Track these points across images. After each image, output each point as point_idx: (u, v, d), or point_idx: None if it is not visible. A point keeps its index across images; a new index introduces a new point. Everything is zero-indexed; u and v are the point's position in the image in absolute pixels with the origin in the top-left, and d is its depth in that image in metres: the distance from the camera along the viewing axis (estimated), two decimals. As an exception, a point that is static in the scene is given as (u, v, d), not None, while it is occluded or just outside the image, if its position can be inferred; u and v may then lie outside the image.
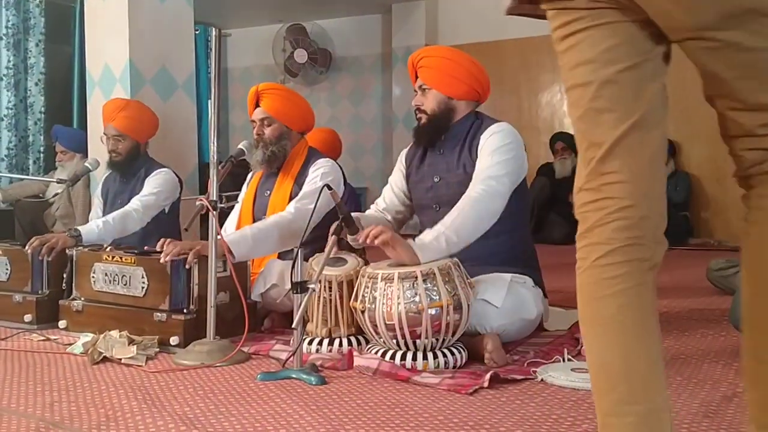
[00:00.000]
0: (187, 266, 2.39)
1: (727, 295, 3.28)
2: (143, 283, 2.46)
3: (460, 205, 2.29)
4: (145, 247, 2.59)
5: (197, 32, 6.61)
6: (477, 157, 2.44)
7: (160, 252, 2.43)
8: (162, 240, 2.50)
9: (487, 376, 1.91)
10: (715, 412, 1.69)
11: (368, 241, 2.17)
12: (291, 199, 2.77)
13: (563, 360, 2.10)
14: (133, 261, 2.50)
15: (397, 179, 2.70)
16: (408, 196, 2.67)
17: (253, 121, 2.86)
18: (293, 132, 2.88)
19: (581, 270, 1.17)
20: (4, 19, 5.93)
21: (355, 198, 4.81)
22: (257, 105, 2.86)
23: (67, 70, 6.54)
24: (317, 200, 2.27)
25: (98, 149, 3.92)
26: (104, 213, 3.29)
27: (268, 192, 2.88)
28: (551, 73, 6.59)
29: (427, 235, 2.20)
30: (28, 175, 5.74)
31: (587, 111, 1.15)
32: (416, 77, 2.57)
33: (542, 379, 1.94)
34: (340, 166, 2.98)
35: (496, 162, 2.37)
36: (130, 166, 3.35)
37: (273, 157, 2.83)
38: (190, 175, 4.19)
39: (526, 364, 2.08)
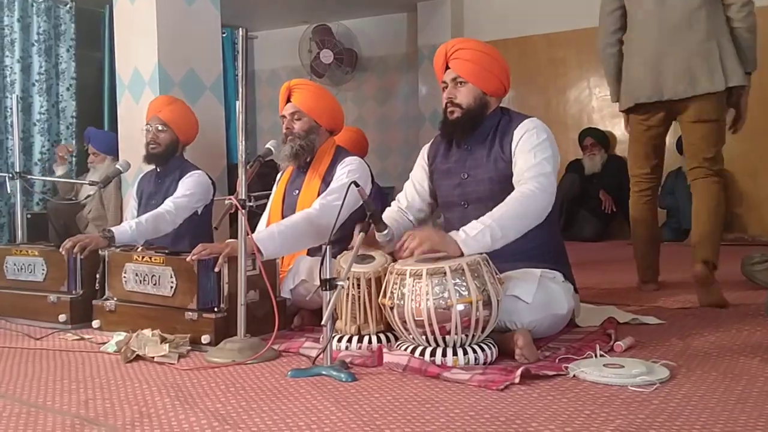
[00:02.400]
0: (216, 269, 2.40)
1: (762, 289, 3.23)
2: (172, 282, 2.48)
3: (511, 201, 2.28)
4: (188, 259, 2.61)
5: (224, 35, 6.68)
6: (510, 153, 2.42)
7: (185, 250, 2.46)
8: (198, 252, 2.52)
9: (519, 372, 1.89)
10: (752, 407, 1.65)
11: (406, 255, 2.16)
12: (319, 196, 2.78)
13: (595, 356, 2.08)
14: (162, 261, 2.52)
15: (418, 176, 2.68)
16: (430, 193, 2.65)
17: (283, 116, 2.88)
18: (322, 128, 2.88)
19: None
20: (36, 25, 6.04)
21: (382, 197, 4.81)
22: (288, 100, 2.88)
23: (97, 74, 6.64)
24: (345, 197, 2.28)
25: (129, 151, 3.98)
26: (139, 213, 3.33)
27: (297, 191, 2.90)
28: (578, 68, 6.53)
29: (473, 228, 2.19)
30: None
31: None
32: (445, 68, 2.52)
33: (574, 375, 1.92)
34: (367, 164, 2.98)
35: (540, 159, 2.35)
36: (167, 162, 3.38)
37: (301, 151, 2.83)
38: (219, 176, 4.23)
39: (557, 360, 2.06)
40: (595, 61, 6.45)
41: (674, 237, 5.67)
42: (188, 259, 2.41)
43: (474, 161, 2.50)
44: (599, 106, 6.51)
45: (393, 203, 2.72)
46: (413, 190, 2.68)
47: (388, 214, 2.65)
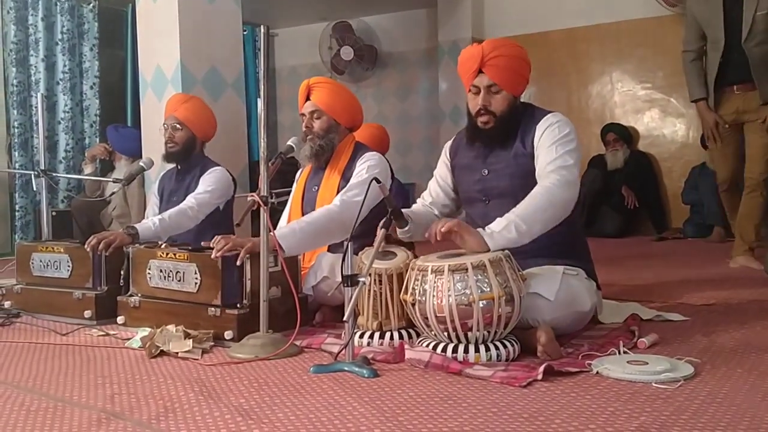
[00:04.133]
0: (238, 263, 2.42)
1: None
2: (196, 278, 2.50)
3: (534, 195, 2.27)
4: (202, 243, 2.64)
5: (244, 33, 6.70)
6: (531, 148, 2.41)
7: (213, 248, 2.47)
8: (216, 237, 2.54)
9: (541, 368, 1.89)
10: (779, 404, 1.64)
11: (438, 237, 2.15)
12: (338, 192, 2.78)
13: (619, 352, 2.06)
14: (186, 257, 2.55)
15: (442, 172, 2.68)
16: (453, 188, 2.65)
17: (303, 115, 2.88)
18: (341, 126, 2.89)
19: None
20: (60, 25, 6.11)
21: (404, 192, 4.82)
22: (308, 98, 2.88)
23: (120, 73, 6.70)
24: (366, 193, 2.28)
25: (152, 149, 4.01)
26: (160, 210, 3.36)
27: (316, 187, 2.90)
28: (600, 63, 6.48)
29: (498, 224, 2.18)
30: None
31: None
32: (478, 72, 2.42)
33: (597, 372, 1.91)
34: (387, 160, 2.98)
35: (562, 153, 2.34)
36: (186, 160, 3.41)
37: (321, 151, 2.84)
38: (241, 173, 4.25)
39: (580, 357, 2.05)
40: (616, 56, 6.43)
41: (697, 233, 5.61)
42: (212, 256, 2.43)
43: (495, 157, 2.49)
44: (622, 101, 6.46)
45: (418, 200, 2.72)
46: (437, 187, 2.68)
47: (414, 208, 2.65)
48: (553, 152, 2.34)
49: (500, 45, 2.43)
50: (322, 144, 2.83)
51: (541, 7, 6.64)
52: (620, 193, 6.06)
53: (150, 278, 2.65)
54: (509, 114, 2.44)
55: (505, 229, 2.17)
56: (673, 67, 6.14)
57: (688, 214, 5.90)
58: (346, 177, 2.83)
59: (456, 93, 7.06)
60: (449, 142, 2.71)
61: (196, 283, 2.51)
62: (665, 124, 6.32)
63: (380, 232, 2.19)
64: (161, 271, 2.62)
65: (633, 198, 6.03)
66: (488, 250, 2.11)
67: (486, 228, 2.18)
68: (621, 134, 6.23)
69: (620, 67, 6.44)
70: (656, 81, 6.28)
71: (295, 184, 3.07)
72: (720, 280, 3.58)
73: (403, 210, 2.39)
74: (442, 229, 2.13)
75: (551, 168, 2.32)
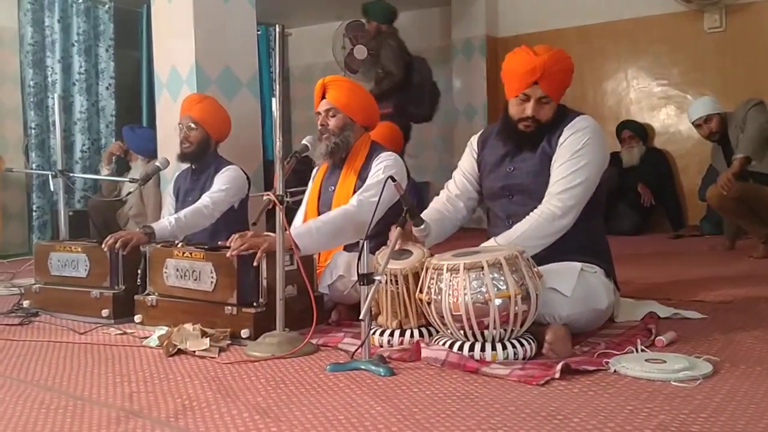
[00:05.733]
0: (255, 263, 2.43)
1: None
2: (212, 278, 2.51)
3: (532, 218, 2.33)
4: (219, 242, 2.65)
5: (258, 33, 6.72)
6: (555, 149, 2.41)
7: (229, 247, 2.48)
8: (234, 236, 2.55)
9: (559, 366, 1.88)
10: (800, 403, 1.62)
11: None
12: (354, 192, 2.78)
13: (636, 351, 2.05)
14: (202, 256, 2.56)
15: (468, 165, 2.67)
16: (478, 181, 2.64)
17: (318, 113, 2.89)
18: (357, 125, 2.88)
19: None
20: (76, 26, 6.14)
21: (417, 192, 4.81)
22: (323, 97, 2.88)
23: (135, 73, 6.73)
24: (381, 192, 2.28)
25: (168, 149, 4.04)
26: (176, 210, 3.38)
27: (332, 187, 2.91)
28: (615, 60, 6.43)
29: (500, 241, 2.25)
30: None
31: None
32: (532, 83, 2.38)
33: (615, 371, 1.90)
34: (403, 159, 2.98)
35: (573, 171, 2.35)
36: (200, 159, 3.42)
37: (336, 149, 2.84)
38: (255, 173, 4.27)
39: (596, 355, 2.04)
40: (632, 53, 6.38)
41: (714, 230, 5.56)
42: (228, 255, 2.44)
43: (522, 155, 2.49)
44: (637, 97, 6.42)
45: (442, 192, 2.71)
46: (463, 179, 2.67)
47: (435, 206, 2.65)
48: (565, 169, 2.36)
49: (560, 59, 2.41)
50: (338, 142, 2.83)
51: (556, 4, 6.60)
52: (636, 190, 6.01)
53: (167, 277, 2.67)
54: (552, 120, 2.45)
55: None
56: (689, 64, 6.11)
57: (704, 212, 5.85)
58: (362, 177, 2.83)
59: (470, 91, 7.04)
60: (476, 136, 2.70)
61: (212, 282, 2.52)
62: (681, 121, 6.25)
63: (395, 231, 2.19)
64: (178, 270, 2.63)
65: (649, 195, 5.99)
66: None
67: (486, 244, 2.23)
68: (636, 131, 6.19)
69: (636, 63, 6.39)
70: (672, 78, 6.23)
71: (310, 183, 3.08)
72: (738, 277, 3.55)
73: (422, 214, 2.40)
74: None
75: (556, 189, 2.36)
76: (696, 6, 5.91)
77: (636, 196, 6.01)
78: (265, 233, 2.58)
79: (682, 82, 6.17)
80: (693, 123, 4.83)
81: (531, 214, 2.35)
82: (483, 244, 2.27)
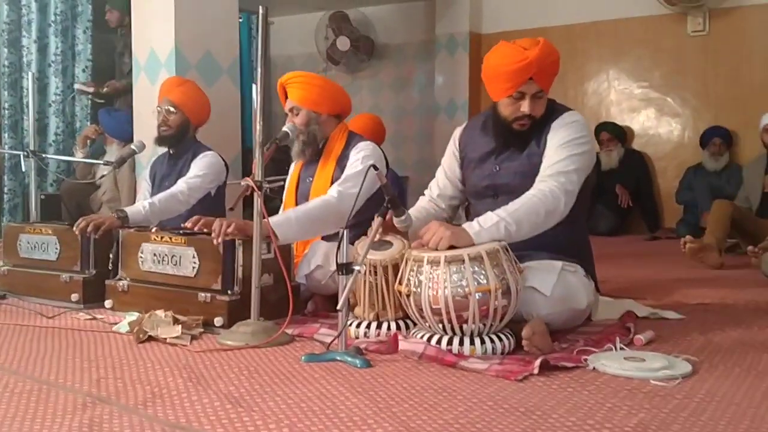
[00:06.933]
0: (229, 230, 2.38)
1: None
2: (194, 263, 2.46)
3: (528, 197, 2.21)
4: (181, 224, 2.60)
5: (240, 20, 6.63)
6: (544, 146, 2.34)
7: (194, 231, 2.44)
8: (196, 218, 2.51)
9: (537, 362, 1.86)
10: (779, 404, 1.61)
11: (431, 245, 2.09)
12: (333, 182, 2.74)
13: (615, 349, 2.03)
14: (184, 241, 2.50)
15: (450, 163, 2.60)
16: (462, 180, 2.58)
17: (286, 114, 2.86)
18: (323, 116, 2.82)
19: None
20: (53, 6, 6.01)
21: (399, 183, 4.77)
22: (287, 97, 2.85)
23: (112, 56, 6.61)
24: (363, 181, 2.24)
25: (144, 133, 3.95)
26: (152, 195, 3.30)
27: (310, 179, 2.86)
28: (597, 60, 6.45)
29: (486, 220, 2.12)
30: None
31: None
32: (527, 80, 2.30)
33: (594, 368, 1.88)
34: (382, 149, 2.94)
35: (566, 156, 2.28)
36: (178, 144, 3.35)
37: (305, 146, 2.81)
38: (234, 160, 4.20)
39: (575, 352, 2.02)
40: (614, 54, 6.39)
41: (690, 233, 5.59)
42: (215, 242, 2.38)
43: (508, 154, 2.42)
44: (618, 99, 6.44)
45: (425, 192, 2.66)
46: (445, 178, 2.61)
47: (420, 205, 2.60)
48: (559, 154, 2.29)
49: (550, 51, 2.32)
50: (305, 139, 2.80)
51: (540, 2, 6.59)
52: (614, 191, 6.03)
53: (142, 262, 2.60)
54: (544, 115, 2.38)
55: (494, 226, 2.11)
56: (671, 66, 6.14)
57: (681, 214, 5.89)
58: (341, 165, 2.78)
59: (452, 87, 7.01)
60: (458, 132, 2.62)
61: (194, 268, 2.46)
62: (661, 124, 6.30)
63: (376, 221, 2.14)
64: (155, 254, 2.56)
65: (627, 197, 6.01)
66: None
67: (474, 222, 2.13)
68: (615, 133, 6.20)
69: (617, 65, 6.41)
70: (653, 80, 6.25)
71: (288, 177, 3.03)
72: (714, 279, 3.57)
73: (408, 211, 2.35)
74: (430, 245, 2.07)
75: (551, 171, 2.27)
76: (679, 9, 5.93)
77: (613, 197, 6.04)
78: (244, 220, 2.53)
79: (664, 85, 6.20)
80: (763, 127, 4.79)
81: (526, 192, 2.23)
82: (464, 225, 2.15)
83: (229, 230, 2.38)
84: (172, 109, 3.31)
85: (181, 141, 3.34)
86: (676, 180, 6.00)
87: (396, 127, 7.44)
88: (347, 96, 2.95)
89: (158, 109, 3.35)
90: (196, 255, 2.46)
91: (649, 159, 6.30)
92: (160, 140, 3.35)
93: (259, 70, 2.31)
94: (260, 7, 2.33)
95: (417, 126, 7.60)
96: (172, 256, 2.52)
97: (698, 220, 5.55)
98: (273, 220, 2.46)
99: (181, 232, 2.58)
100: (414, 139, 7.57)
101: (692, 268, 3.93)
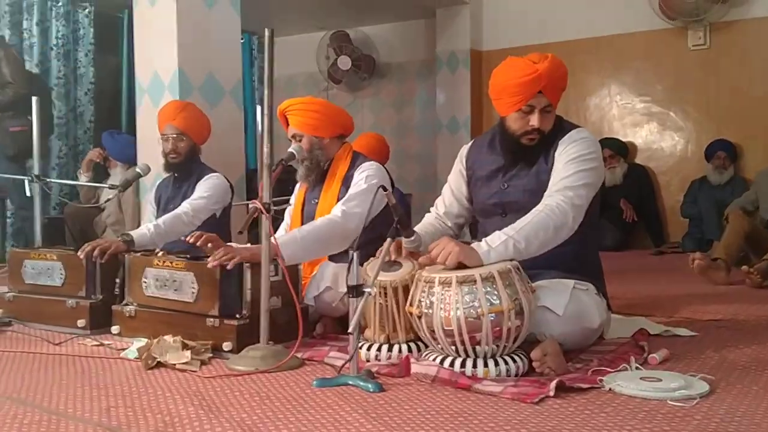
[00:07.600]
0: (229, 267, 2.35)
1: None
2: (193, 288, 2.44)
3: (535, 213, 2.19)
4: (182, 238, 2.58)
5: (241, 41, 6.66)
6: (552, 162, 2.32)
7: (206, 255, 2.42)
8: (198, 233, 2.49)
9: (553, 384, 1.83)
10: (801, 424, 1.58)
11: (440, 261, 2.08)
12: (339, 201, 2.73)
13: (630, 368, 2.01)
14: (183, 266, 2.48)
15: (456, 181, 2.59)
16: (468, 198, 2.57)
17: (290, 140, 2.86)
18: (325, 139, 2.82)
19: None
20: (55, 29, 6.04)
21: (404, 202, 4.77)
22: (288, 124, 2.86)
23: (115, 79, 6.64)
24: (372, 201, 2.23)
25: (148, 155, 3.95)
26: (157, 218, 3.29)
27: (315, 200, 2.85)
28: (598, 75, 6.45)
29: (494, 240, 2.10)
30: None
31: None
32: (536, 93, 2.28)
33: (610, 389, 1.85)
34: (386, 169, 2.93)
35: (574, 171, 2.26)
36: (187, 168, 3.35)
37: (309, 171, 2.81)
38: (238, 181, 4.19)
39: (590, 372, 1.99)
40: (615, 69, 6.40)
41: (696, 247, 5.56)
42: (209, 265, 2.36)
43: (516, 171, 2.40)
44: (620, 113, 6.44)
45: (432, 209, 2.65)
46: (451, 196, 2.59)
47: (427, 221, 2.58)
48: (567, 169, 2.27)
49: (558, 64, 2.31)
50: (308, 165, 2.80)
51: (540, 19, 6.61)
52: (618, 206, 6.02)
53: (146, 287, 2.58)
54: (552, 132, 2.36)
55: (502, 244, 2.09)
56: (672, 81, 6.15)
57: (686, 228, 5.87)
58: (346, 186, 2.78)
59: (453, 104, 7.01)
60: (465, 150, 2.61)
61: (193, 293, 2.44)
62: (664, 138, 6.30)
63: (387, 242, 2.12)
64: (157, 279, 2.55)
65: (631, 211, 6.00)
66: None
67: (483, 242, 2.11)
68: (617, 149, 6.18)
69: (619, 79, 6.42)
70: (655, 94, 6.26)
71: (292, 199, 3.02)
72: (725, 294, 3.54)
73: (415, 228, 2.34)
74: (439, 260, 2.06)
75: (559, 187, 2.25)
76: (680, 23, 5.95)
77: (618, 212, 6.02)
78: (245, 245, 2.52)
79: (665, 99, 6.21)
80: None
81: (534, 208, 2.21)
82: (473, 245, 2.13)
83: (225, 258, 2.35)
84: (181, 136, 3.31)
85: (189, 166, 3.34)
86: (680, 194, 5.98)
87: (398, 145, 7.44)
88: (348, 116, 2.95)
89: (164, 136, 3.34)
90: (195, 280, 2.43)
91: (652, 173, 6.29)
92: (169, 167, 3.35)
93: (266, 91, 2.30)
94: (266, 29, 2.33)
95: (419, 144, 7.60)
96: (173, 281, 2.49)
97: (704, 234, 5.54)
98: (279, 240, 2.44)
99: (188, 257, 2.55)
100: (416, 156, 7.57)
101: (701, 284, 3.90)
